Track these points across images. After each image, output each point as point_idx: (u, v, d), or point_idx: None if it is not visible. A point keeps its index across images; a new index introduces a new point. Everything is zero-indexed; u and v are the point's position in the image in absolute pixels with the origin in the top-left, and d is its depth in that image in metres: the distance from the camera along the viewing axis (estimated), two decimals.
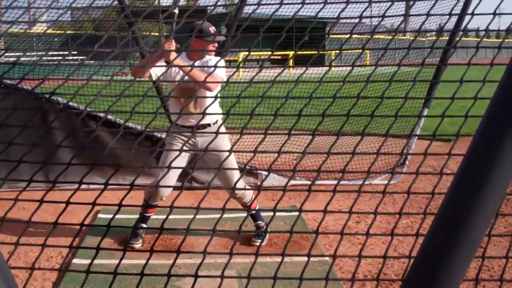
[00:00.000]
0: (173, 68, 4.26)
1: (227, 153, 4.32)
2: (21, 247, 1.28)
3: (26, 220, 1.35)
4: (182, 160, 4.45)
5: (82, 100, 6.49)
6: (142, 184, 4.40)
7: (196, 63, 4.12)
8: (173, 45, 4.06)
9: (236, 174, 4.49)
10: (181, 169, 4.51)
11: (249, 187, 4.81)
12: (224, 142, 4.37)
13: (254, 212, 4.67)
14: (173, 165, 4.17)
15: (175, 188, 4.88)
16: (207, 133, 4.37)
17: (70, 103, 5.75)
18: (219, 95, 4.32)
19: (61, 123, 6.07)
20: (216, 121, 4.39)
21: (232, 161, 4.47)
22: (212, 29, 4.27)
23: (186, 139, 4.40)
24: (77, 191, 1.33)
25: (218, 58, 4.39)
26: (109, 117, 5.89)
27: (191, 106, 4.36)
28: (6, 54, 1.93)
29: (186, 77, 4.00)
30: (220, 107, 4.60)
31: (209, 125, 4.39)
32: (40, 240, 1.49)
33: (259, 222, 4.69)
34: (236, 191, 4.36)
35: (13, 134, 1.40)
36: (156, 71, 4.16)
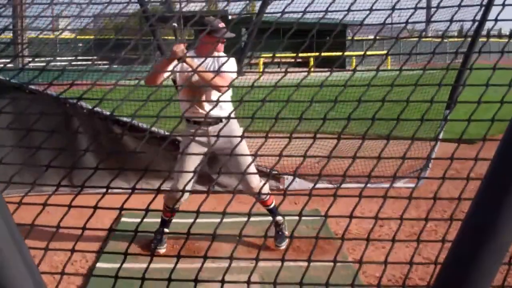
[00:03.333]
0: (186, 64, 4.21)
1: (243, 151, 4.33)
2: (47, 251, 1.30)
3: (51, 223, 1.37)
4: (198, 161, 4.38)
5: (106, 105, 6.55)
6: (166, 189, 4.39)
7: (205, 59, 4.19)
8: (181, 46, 4.03)
9: (252, 170, 4.49)
10: (197, 171, 4.45)
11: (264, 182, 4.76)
12: (238, 139, 4.31)
13: (271, 207, 4.68)
14: (189, 167, 4.18)
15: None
16: (221, 136, 4.33)
17: (95, 108, 5.81)
18: (231, 91, 4.37)
19: (86, 128, 6.13)
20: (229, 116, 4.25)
21: (247, 158, 4.45)
22: (221, 24, 4.25)
23: (200, 139, 4.35)
24: (100, 195, 1.34)
25: (226, 56, 4.28)
26: (134, 122, 5.94)
27: (202, 99, 4.33)
28: (34, 60, 1.96)
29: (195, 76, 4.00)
30: (231, 102, 4.55)
31: (221, 120, 4.29)
32: (64, 244, 1.51)
33: (278, 219, 4.72)
34: (253, 186, 4.41)
35: (40, 140, 1.43)
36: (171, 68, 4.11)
